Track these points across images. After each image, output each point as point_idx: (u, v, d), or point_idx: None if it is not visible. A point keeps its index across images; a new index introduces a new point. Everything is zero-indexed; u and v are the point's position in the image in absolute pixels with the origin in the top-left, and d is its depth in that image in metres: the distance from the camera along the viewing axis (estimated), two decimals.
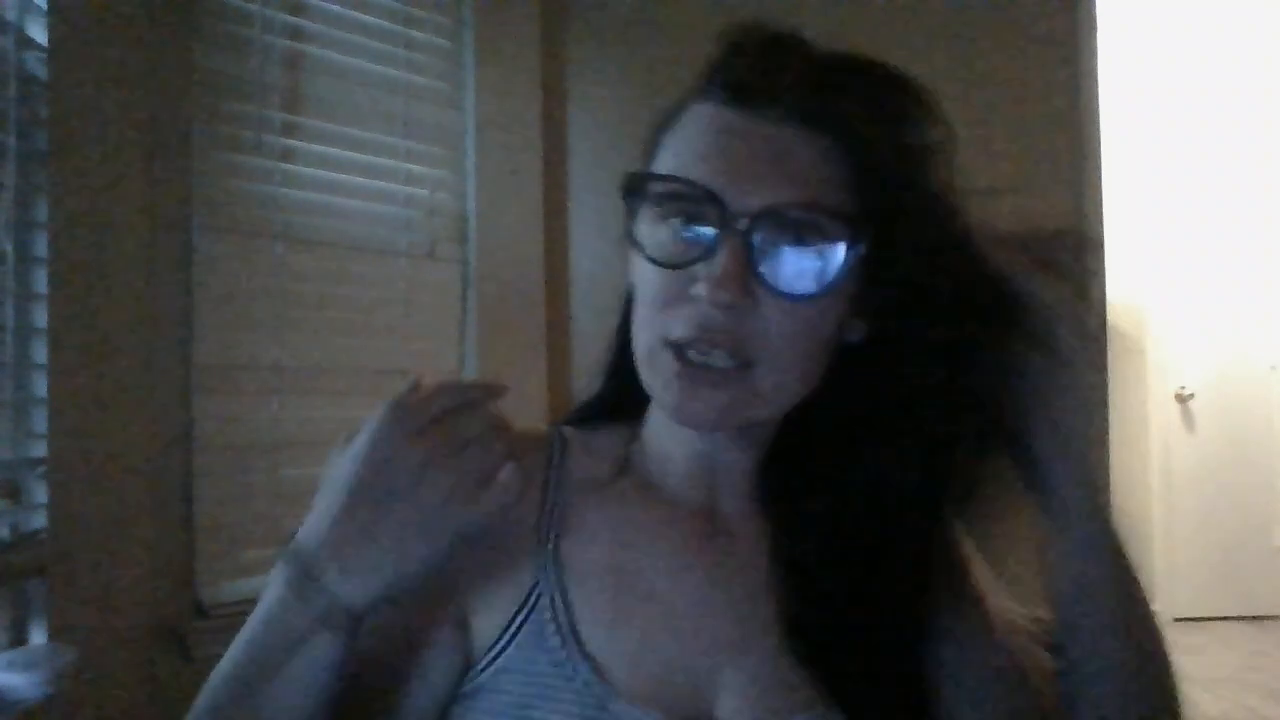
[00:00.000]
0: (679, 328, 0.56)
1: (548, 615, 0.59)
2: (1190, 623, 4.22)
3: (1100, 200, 2.28)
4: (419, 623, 0.59)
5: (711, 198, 0.55)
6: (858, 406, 0.60)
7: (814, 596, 0.60)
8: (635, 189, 0.59)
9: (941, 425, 0.58)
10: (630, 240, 0.59)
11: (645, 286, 0.59)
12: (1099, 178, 2.29)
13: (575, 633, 0.59)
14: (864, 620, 0.59)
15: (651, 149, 0.61)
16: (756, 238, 0.55)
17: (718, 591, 0.62)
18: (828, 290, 0.56)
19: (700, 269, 0.55)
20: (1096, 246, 2.22)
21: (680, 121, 0.60)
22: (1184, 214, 4.32)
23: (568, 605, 0.60)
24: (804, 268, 0.56)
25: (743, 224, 0.54)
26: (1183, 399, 4.34)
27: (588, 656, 0.58)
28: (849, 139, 0.56)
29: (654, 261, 0.57)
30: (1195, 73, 4.26)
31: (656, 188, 0.58)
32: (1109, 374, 2.30)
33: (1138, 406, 4.25)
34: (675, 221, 0.57)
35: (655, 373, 0.59)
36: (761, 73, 0.58)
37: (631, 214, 0.59)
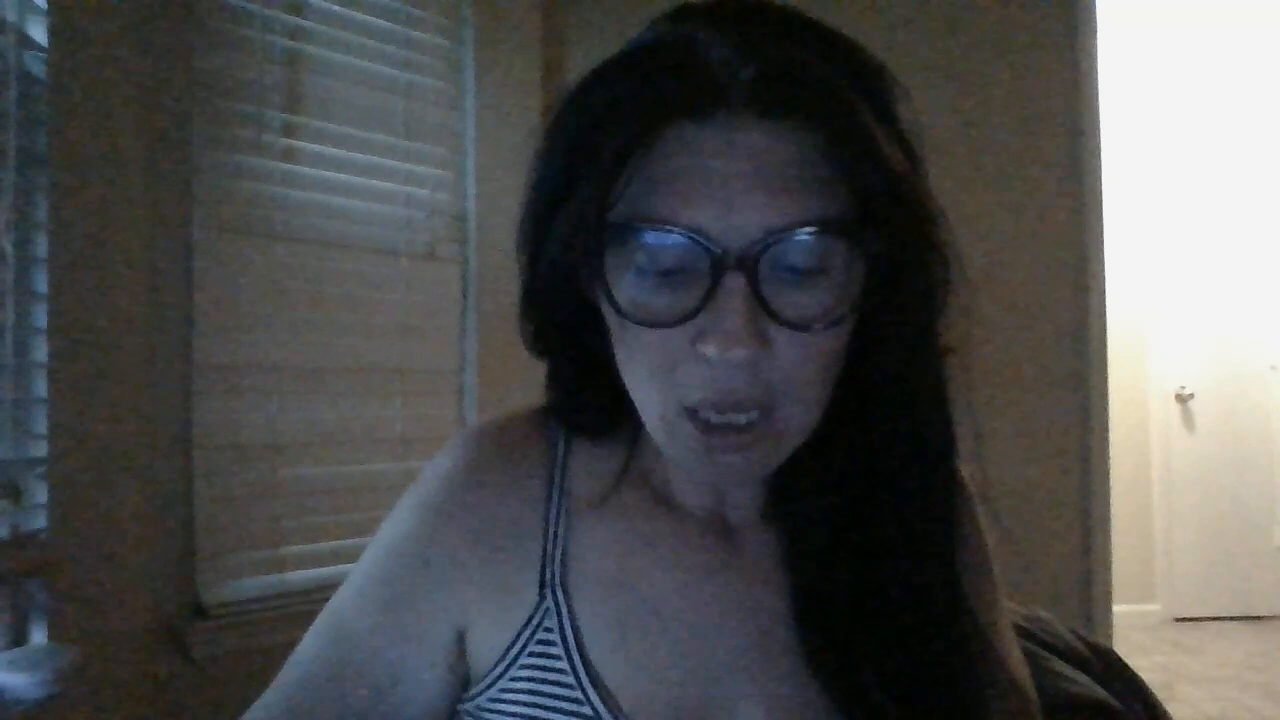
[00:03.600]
0: (695, 392, 0.49)
1: (554, 636, 0.56)
2: (1190, 623, 4.22)
3: (1100, 200, 2.29)
4: (415, 630, 0.57)
5: (696, 240, 0.46)
6: (866, 392, 0.55)
7: (834, 602, 0.55)
8: (601, 234, 0.48)
9: (942, 396, 0.56)
10: (607, 299, 0.49)
11: (638, 347, 0.50)
12: (1099, 177, 2.29)
13: (584, 657, 0.55)
14: (894, 626, 0.55)
15: (611, 171, 0.47)
16: (760, 273, 0.46)
17: (732, 610, 0.57)
18: (849, 309, 0.49)
19: (703, 320, 0.47)
20: (1097, 251, 2.23)
21: (651, 148, 0.48)
22: (1184, 214, 4.31)
23: (575, 626, 0.56)
24: (818, 291, 0.48)
25: (741, 262, 0.46)
26: (1183, 399, 4.33)
27: (597, 683, 0.55)
28: (838, 124, 0.47)
29: (644, 324, 0.49)
30: (1195, 72, 4.26)
31: (626, 234, 0.48)
32: (1109, 374, 2.32)
33: (1138, 406, 4.25)
34: (657, 272, 0.48)
35: (673, 439, 0.51)
36: (717, 71, 0.47)
37: (598, 255, 0.49)
